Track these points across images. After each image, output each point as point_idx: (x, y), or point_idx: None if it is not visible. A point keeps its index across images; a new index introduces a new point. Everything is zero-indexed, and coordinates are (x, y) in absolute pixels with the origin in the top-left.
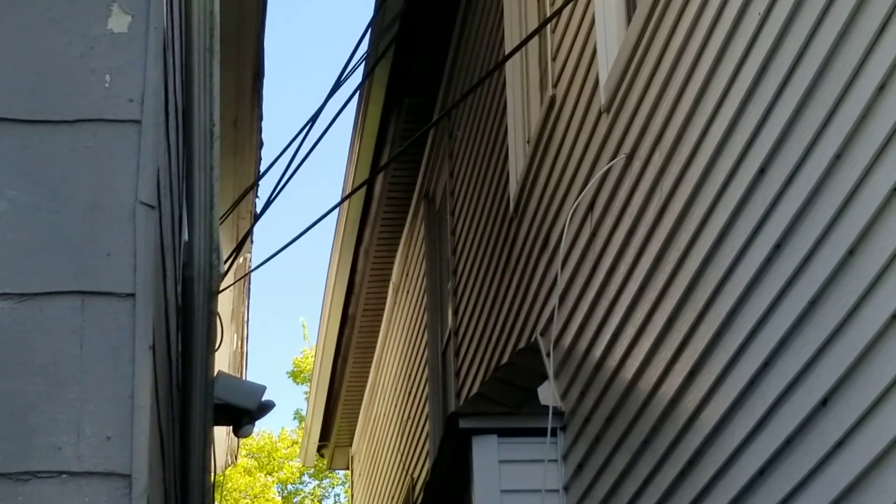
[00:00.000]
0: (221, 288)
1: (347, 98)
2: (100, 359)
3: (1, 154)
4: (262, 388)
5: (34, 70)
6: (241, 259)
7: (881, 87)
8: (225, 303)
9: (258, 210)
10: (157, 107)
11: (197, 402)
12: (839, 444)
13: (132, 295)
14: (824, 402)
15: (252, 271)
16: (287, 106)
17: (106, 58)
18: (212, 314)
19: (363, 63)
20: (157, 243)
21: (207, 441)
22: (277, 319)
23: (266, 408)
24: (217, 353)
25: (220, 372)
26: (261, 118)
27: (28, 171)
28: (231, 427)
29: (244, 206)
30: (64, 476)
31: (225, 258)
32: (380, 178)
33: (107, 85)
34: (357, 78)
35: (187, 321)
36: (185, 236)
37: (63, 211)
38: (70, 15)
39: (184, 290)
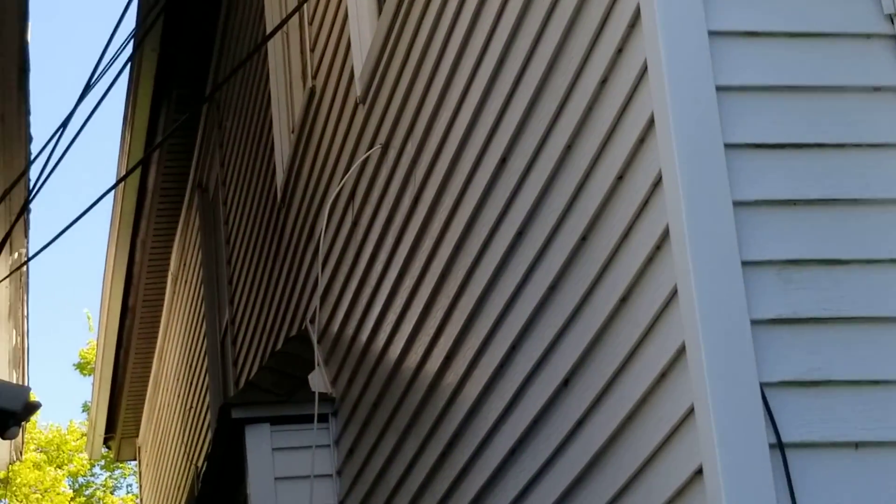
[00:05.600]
0: None
1: (111, 82)
2: None
3: None
4: (27, 390)
5: None
6: (15, 255)
7: (603, 81)
8: (0, 300)
9: (27, 200)
10: None
11: None
12: (580, 423)
13: None
14: (566, 382)
15: (24, 265)
16: (59, 100)
17: None
18: None
19: (128, 47)
20: None
21: None
22: (62, 312)
23: (32, 409)
24: None
25: None
26: (28, 112)
27: None
28: None
29: (17, 201)
30: None
31: None
32: (153, 169)
33: None
34: (122, 65)
35: None
36: None
37: None
38: None
39: None
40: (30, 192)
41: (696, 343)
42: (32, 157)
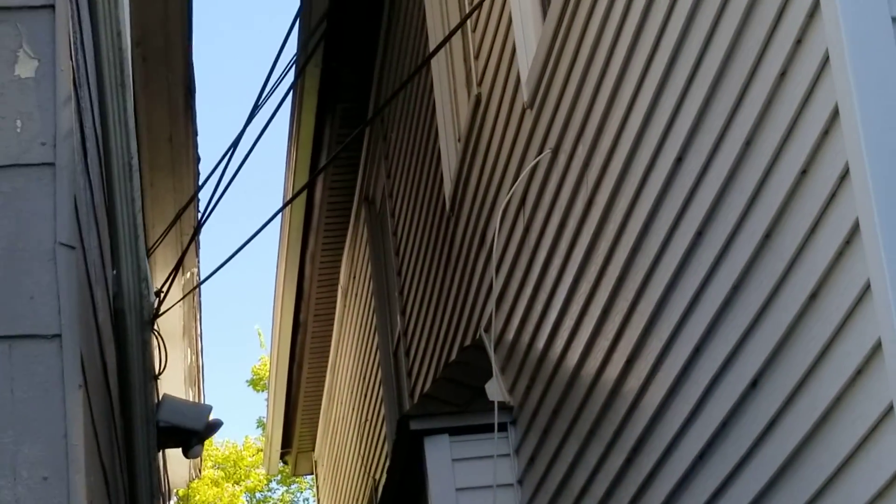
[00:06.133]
0: (168, 307)
1: (277, 104)
2: (31, 401)
3: None
4: (209, 409)
5: None
6: (188, 275)
7: (782, 74)
8: (175, 319)
9: (199, 223)
10: (70, 148)
11: (139, 429)
12: (771, 425)
13: (58, 336)
14: (754, 383)
15: (198, 286)
16: (222, 119)
17: (15, 103)
18: (146, 343)
19: (292, 69)
20: (84, 280)
21: (153, 466)
22: (234, 329)
23: (214, 427)
24: (171, 371)
25: (165, 395)
26: (195, 133)
27: None
28: (181, 448)
29: (187, 222)
30: None
31: (168, 275)
32: (319, 183)
33: (18, 130)
34: (287, 87)
35: (122, 352)
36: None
37: None
38: None
39: (116, 322)
40: (200, 213)
41: (892, 338)
42: (201, 178)
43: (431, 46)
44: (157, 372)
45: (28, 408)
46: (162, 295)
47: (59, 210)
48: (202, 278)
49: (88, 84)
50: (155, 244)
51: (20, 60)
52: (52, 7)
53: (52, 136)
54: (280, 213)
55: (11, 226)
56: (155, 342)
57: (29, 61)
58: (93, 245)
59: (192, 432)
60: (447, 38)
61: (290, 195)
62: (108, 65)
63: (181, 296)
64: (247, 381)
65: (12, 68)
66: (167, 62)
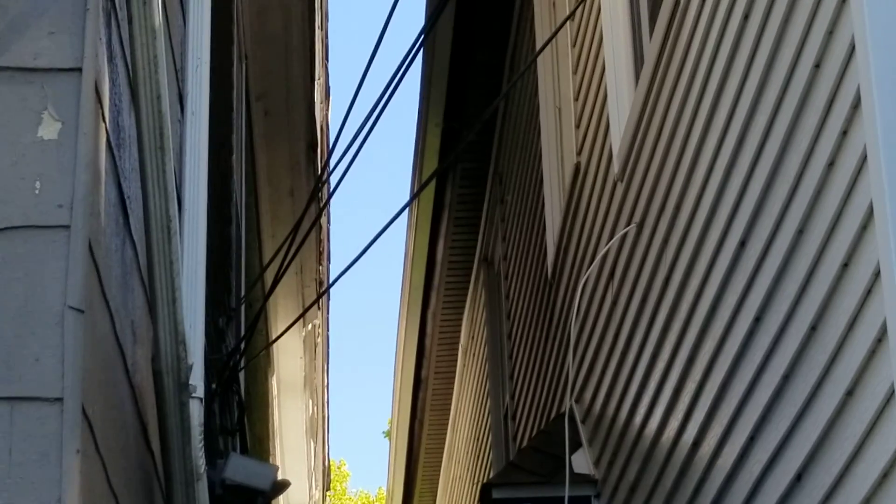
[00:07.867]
0: (244, 363)
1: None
2: (28, 464)
3: None
4: (275, 469)
5: None
6: (308, 327)
7: (830, 164)
8: (295, 371)
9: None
10: (87, 211)
11: (178, 489)
12: None
13: (60, 399)
14: (799, 477)
15: (273, 342)
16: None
17: (36, 165)
18: (184, 404)
19: (416, 134)
20: (107, 342)
21: None
22: (373, 381)
23: (282, 487)
24: (290, 422)
25: (231, 453)
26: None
27: None
28: None
29: (308, 274)
30: None
31: (244, 334)
32: (441, 242)
33: (37, 192)
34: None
35: (160, 412)
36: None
37: None
38: (1, 124)
39: (154, 383)
40: (322, 279)
41: None
42: (324, 231)
43: (542, 113)
44: (231, 427)
45: (25, 471)
46: (240, 351)
47: (71, 273)
48: (332, 327)
49: (132, 146)
50: (242, 300)
51: (44, 122)
52: (80, 70)
53: (70, 198)
54: (402, 270)
55: (23, 287)
56: (233, 399)
57: (53, 123)
58: (136, 306)
59: (257, 492)
60: (514, 81)
61: (411, 251)
62: (147, 129)
63: (302, 350)
64: (383, 433)
65: (36, 129)
66: (288, 115)
